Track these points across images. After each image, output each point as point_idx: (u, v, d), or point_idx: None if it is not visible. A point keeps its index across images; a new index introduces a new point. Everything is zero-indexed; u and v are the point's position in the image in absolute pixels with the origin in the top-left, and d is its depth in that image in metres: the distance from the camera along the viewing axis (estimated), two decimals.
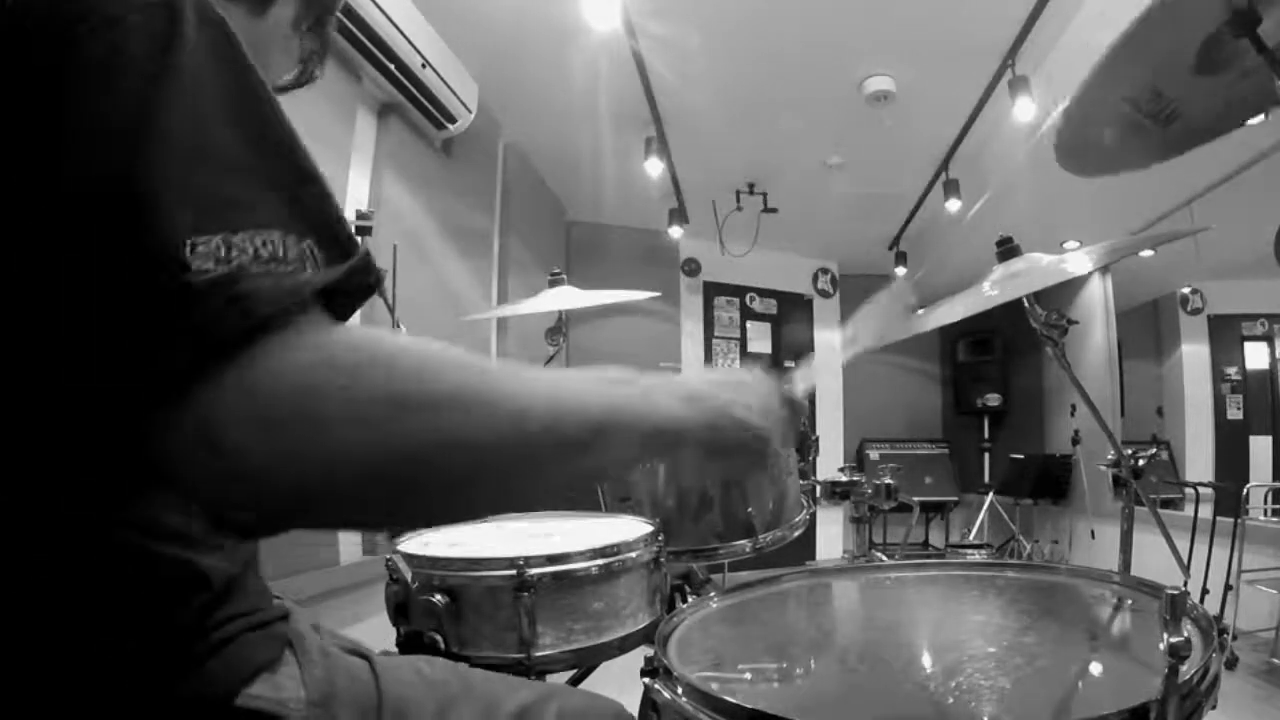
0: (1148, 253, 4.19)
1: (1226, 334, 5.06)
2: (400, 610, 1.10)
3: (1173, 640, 0.55)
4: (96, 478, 0.48)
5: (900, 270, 5.59)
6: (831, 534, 5.87)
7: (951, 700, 0.67)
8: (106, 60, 0.40)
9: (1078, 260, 1.18)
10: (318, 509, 0.43)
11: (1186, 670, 0.58)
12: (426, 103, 2.74)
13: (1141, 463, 1.25)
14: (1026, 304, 1.17)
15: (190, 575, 0.56)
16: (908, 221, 5.17)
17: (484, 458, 0.45)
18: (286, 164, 0.45)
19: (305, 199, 0.44)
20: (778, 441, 0.66)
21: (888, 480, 1.60)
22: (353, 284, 0.45)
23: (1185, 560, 1.43)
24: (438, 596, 1.05)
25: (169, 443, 0.39)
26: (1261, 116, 0.99)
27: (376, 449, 0.41)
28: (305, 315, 0.41)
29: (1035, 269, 1.15)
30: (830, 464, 2.00)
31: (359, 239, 0.46)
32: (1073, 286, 5.07)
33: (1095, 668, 0.78)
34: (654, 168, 3.83)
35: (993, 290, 1.15)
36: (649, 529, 1.22)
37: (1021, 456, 5.57)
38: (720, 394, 0.62)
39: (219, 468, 0.38)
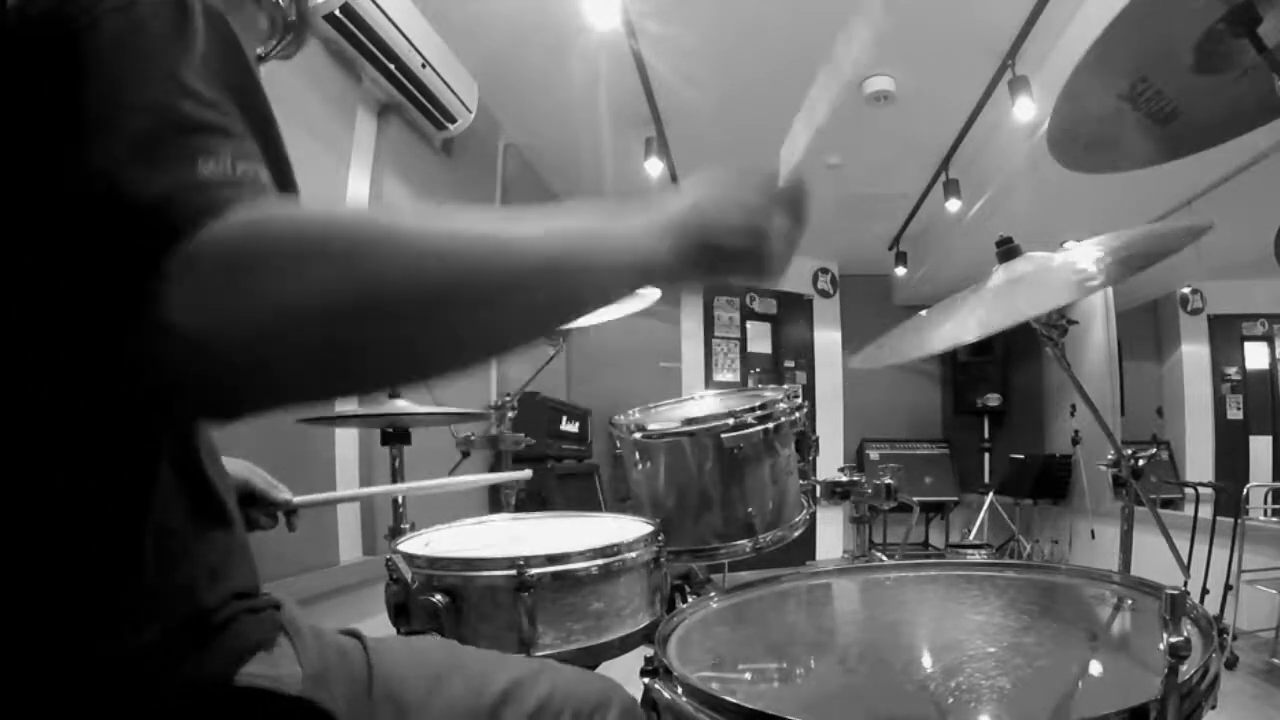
0: None
1: (1226, 334, 5.06)
2: (400, 610, 1.10)
3: (1172, 640, 0.55)
4: (87, 452, 0.51)
5: (900, 270, 5.59)
6: (831, 534, 5.87)
7: (951, 700, 0.67)
8: (129, 31, 0.47)
9: (1084, 256, 1.16)
10: (279, 368, 0.43)
11: (1186, 670, 0.58)
12: (426, 103, 2.74)
13: (1141, 463, 1.24)
14: None
15: (178, 555, 0.57)
16: (908, 221, 5.17)
17: (423, 296, 0.44)
18: (265, 125, 0.53)
19: (273, 151, 0.52)
20: (779, 236, 0.61)
21: (888, 480, 1.60)
22: None
23: (1185, 560, 1.43)
24: (438, 596, 1.05)
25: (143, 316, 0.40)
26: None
27: (328, 295, 0.41)
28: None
29: (1045, 283, 1.09)
30: (830, 464, 2.00)
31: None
32: None
33: (1095, 668, 0.78)
34: (654, 168, 3.83)
35: (998, 302, 1.10)
36: (649, 529, 1.22)
37: (1021, 456, 5.56)
38: (705, 206, 0.59)
39: (187, 328, 0.40)
